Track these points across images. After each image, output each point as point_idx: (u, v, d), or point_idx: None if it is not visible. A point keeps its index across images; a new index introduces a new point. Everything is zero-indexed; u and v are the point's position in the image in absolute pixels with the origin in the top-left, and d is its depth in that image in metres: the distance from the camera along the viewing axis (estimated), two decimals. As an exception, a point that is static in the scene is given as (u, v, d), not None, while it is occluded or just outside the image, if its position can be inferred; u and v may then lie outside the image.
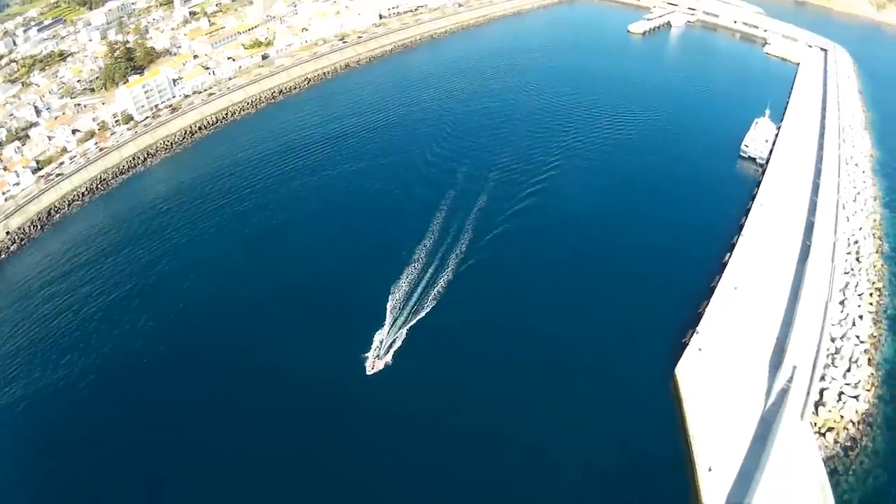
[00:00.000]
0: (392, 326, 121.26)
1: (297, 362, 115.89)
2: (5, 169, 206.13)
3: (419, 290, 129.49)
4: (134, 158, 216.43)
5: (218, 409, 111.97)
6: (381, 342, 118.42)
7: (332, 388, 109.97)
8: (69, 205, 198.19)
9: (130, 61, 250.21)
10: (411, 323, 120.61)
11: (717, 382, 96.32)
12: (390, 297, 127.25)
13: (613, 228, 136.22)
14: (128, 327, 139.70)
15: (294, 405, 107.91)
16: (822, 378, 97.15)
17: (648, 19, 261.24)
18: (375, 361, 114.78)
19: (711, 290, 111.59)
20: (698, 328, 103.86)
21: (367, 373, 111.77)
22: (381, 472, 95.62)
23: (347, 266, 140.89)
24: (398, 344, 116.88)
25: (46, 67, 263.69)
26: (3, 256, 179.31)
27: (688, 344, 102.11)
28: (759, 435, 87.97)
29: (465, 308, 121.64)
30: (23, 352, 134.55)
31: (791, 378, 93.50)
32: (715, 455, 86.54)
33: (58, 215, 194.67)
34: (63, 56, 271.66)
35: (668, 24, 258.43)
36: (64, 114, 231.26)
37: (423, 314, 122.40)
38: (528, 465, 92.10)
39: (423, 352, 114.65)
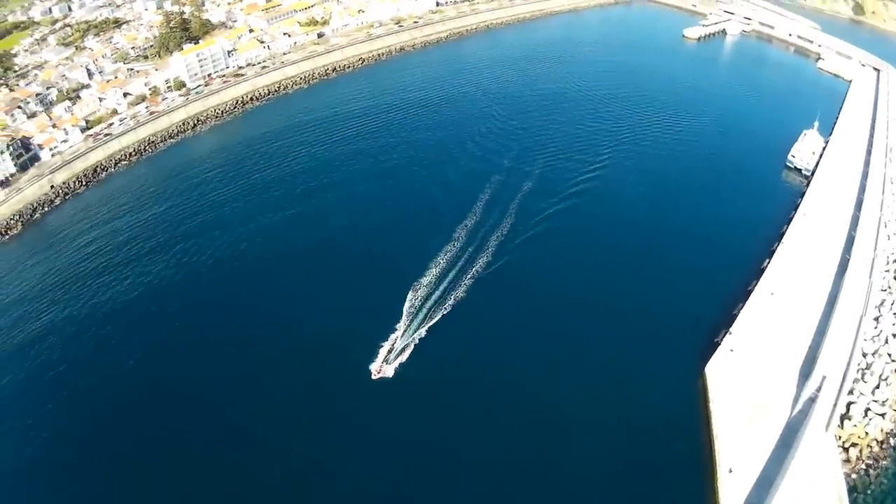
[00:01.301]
0: (407, 329, 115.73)
1: (303, 354, 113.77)
2: (54, 126, 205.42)
3: (441, 288, 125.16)
4: (184, 124, 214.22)
5: (210, 364, 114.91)
6: (393, 345, 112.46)
7: (331, 389, 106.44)
8: (115, 164, 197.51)
9: (185, 31, 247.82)
10: (428, 325, 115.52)
11: (745, 384, 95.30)
12: (410, 292, 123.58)
13: (654, 227, 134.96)
14: (153, 278, 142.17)
15: (289, 400, 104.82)
16: (851, 392, 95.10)
17: (704, 25, 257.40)
18: (383, 366, 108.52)
19: (748, 294, 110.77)
20: (731, 329, 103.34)
21: (372, 377, 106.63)
22: (363, 488, 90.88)
23: (374, 254, 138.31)
24: (410, 349, 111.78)
25: (101, 33, 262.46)
26: (45, 209, 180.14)
27: (720, 343, 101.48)
28: (783, 441, 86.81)
29: (487, 311, 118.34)
30: (52, 292, 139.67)
31: (819, 388, 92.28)
32: (737, 457, 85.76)
33: (104, 173, 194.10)
34: (118, 23, 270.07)
35: (724, 32, 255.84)
36: (116, 77, 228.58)
37: (441, 315, 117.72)
38: (544, 454, 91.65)
39: (437, 357, 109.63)
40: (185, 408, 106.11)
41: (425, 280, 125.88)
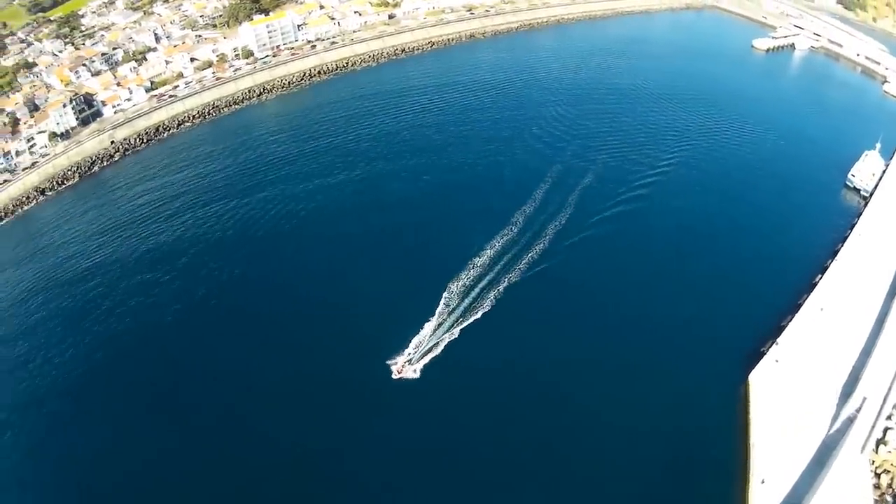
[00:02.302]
0: (438, 328, 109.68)
1: (327, 337, 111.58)
2: (119, 85, 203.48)
3: (480, 287, 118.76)
4: (249, 91, 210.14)
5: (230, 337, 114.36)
6: (420, 344, 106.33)
7: (348, 384, 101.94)
8: (178, 125, 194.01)
9: (256, 3, 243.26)
10: (461, 325, 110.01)
11: (787, 396, 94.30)
12: (447, 288, 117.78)
13: (709, 234, 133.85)
14: (203, 232, 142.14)
15: (304, 391, 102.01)
16: (889, 417, 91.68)
17: (773, 38, 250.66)
18: (405, 366, 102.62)
19: (797, 307, 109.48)
20: (778, 340, 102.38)
21: (393, 377, 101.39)
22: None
23: (419, 238, 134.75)
24: (438, 350, 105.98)
25: (169, 0, 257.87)
26: (104, 163, 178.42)
27: (765, 353, 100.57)
28: (818, 458, 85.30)
29: (526, 316, 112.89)
30: (101, 237, 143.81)
31: (859, 409, 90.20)
32: (771, 468, 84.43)
33: (165, 133, 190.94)
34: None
35: (792, 46, 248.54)
36: (183, 43, 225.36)
37: (476, 317, 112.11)
38: (576, 453, 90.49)
39: (465, 362, 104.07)
40: (202, 365, 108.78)
41: (464, 276, 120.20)
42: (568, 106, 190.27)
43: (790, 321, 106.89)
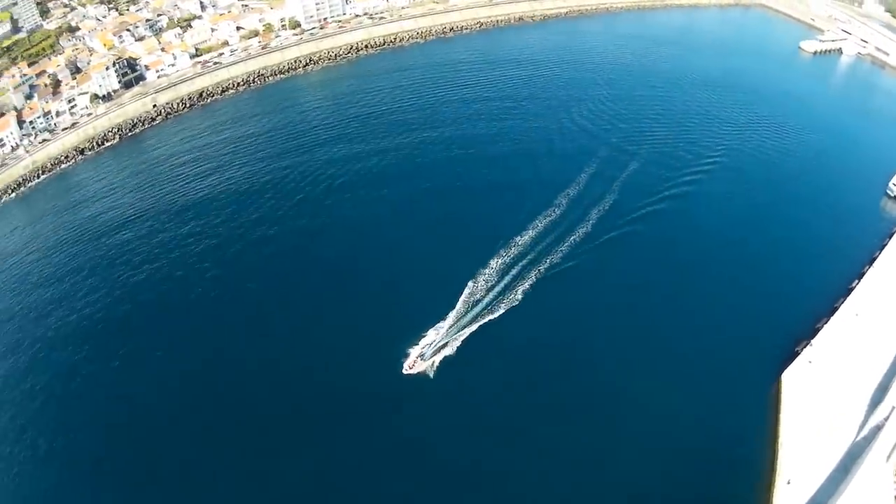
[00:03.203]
0: (456, 322, 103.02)
1: (344, 317, 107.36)
2: (163, 50, 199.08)
3: (505, 282, 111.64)
4: (295, 61, 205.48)
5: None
6: (434, 340, 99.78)
7: (357, 373, 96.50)
8: (222, 91, 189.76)
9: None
10: (481, 322, 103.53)
11: (818, 398, 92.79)
12: (471, 281, 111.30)
13: (747, 233, 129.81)
14: (240, 195, 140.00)
15: (310, 380, 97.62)
16: None
17: (821, 41, 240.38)
18: (417, 361, 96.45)
19: (833, 311, 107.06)
20: (812, 342, 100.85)
21: (404, 371, 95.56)
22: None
23: (449, 221, 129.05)
24: (453, 346, 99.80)
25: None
26: (145, 125, 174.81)
27: (799, 353, 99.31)
28: (844, 463, 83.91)
29: (552, 315, 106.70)
30: (137, 193, 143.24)
31: (887, 418, 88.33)
32: (797, 469, 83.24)
33: (209, 98, 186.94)
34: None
35: (839, 51, 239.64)
36: (229, 12, 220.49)
37: (498, 312, 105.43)
38: (598, 448, 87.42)
39: (481, 360, 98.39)
40: (219, 324, 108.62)
41: (490, 268, 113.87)
42: (612, 93, 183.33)
43: (825, 324, 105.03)
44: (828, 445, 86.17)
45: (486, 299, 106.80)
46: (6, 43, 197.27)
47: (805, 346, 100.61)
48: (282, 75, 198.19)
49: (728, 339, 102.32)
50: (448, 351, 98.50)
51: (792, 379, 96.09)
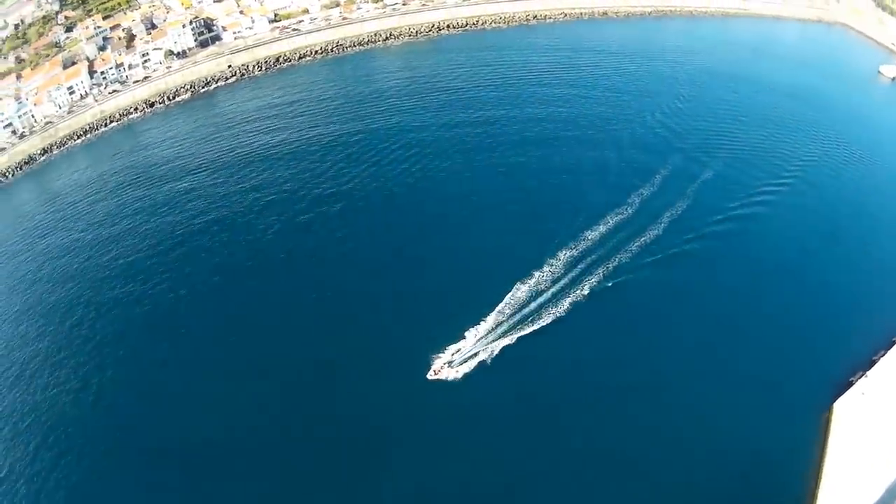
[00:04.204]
0: (491, 331, 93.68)
1: (378, 312, 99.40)
2: (241, 13, 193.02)
3: (549, 294, 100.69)
4: (375, 35, 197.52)
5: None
6: (468, 345, 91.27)
7: (381, 372, 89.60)
8: (299, 58, 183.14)
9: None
10: (517, 334, 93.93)
11: (868, 430, 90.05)
12: (514, 287, 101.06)
13: (810, 261, 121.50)
14: (307, 163, 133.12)
15: (332, 376, 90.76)
16: None
17: None
18: (444, 368, 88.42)
19: (891, 344, 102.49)
20: (868, 373, 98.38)
21: (428, 376, 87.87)
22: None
23: (503, 217, 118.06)
24: (484, 357, 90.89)
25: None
26: (219, 83, 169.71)
27: (853, 384, 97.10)
28: (885, 500, 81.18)
29: (597, 331, 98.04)
30: (203, 143, 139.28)
31: None
32: (837, 501, 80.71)
33: (286, 63, 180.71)
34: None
35: None
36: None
37: (537, 326, 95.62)
38: (637, 461, 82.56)
39: (513, 374, 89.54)
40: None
41: (536, 277, 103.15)
42: (687, 98, 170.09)
43: (883, 356, 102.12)
44: (872, 481, 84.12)
45: (531, 307, 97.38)
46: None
47: (860, 377, 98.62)
48: (360, 47, 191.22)
49: (782, 364, 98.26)
50: (480, 358, 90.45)
51: (843, 409, 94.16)
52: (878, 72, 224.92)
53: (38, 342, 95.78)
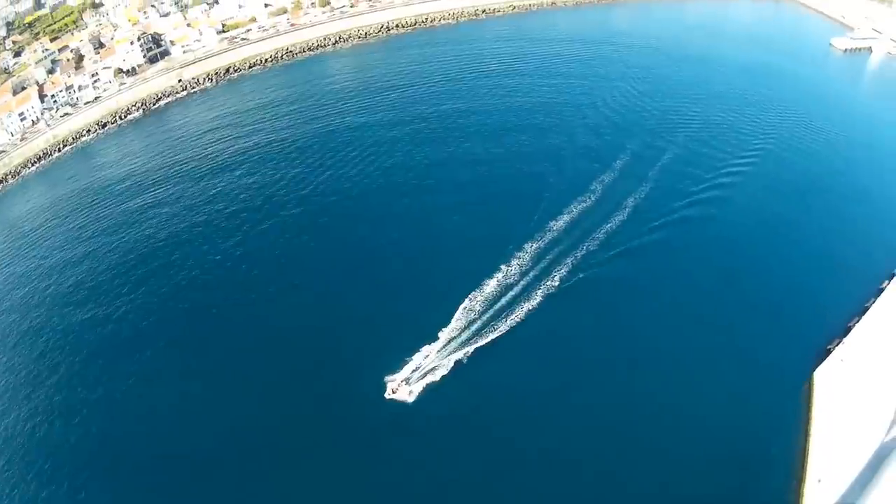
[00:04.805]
0: (448, 344, 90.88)
1: (331, 328, 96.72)
2: (189, 26, 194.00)
3: (506, 299, 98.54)
4: (324, 39, 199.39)
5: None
6: (424, 361, 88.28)
7: (334, 395, 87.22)
8: (249, 66, 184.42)
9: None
10: (476, 344, 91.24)
11: (850, 396, 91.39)
12: (468, 297, 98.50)
13: (779, 235, 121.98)
14: (268, 171, 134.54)
15: (285, 392, 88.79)
16: None
17: (852, 38, 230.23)
18: (401, 386, 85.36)
19: (865, 310, 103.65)
20: (845, 340, 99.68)
21: (386, 395, 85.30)
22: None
23: (456, 224, 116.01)
24: (443, 371, 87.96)
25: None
26: (170, 99, 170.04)
27: (831, 352, 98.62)
28: (874, 462, 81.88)
29: (560, 337, 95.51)
30: (159, 170, 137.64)
31: None
32: (829, 468, 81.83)
33: (236, 74, 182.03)
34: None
35: (870, 49, 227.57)
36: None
37: (499, 332, 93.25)
38: (623, 441, 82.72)
39: (474, 389, 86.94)
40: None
41: (491, 283, 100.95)
42: (643, 80, 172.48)
43: (857, 322, 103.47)
44: (859, 444, 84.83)
45: (488, 313, 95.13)
46: (29, 19, 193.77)
47: (838, 345, 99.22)
48: (310, 52, 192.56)
49: (761, 337, 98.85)
50: (438, 373, 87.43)
51: (824, 377, 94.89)
52: (830, 44, 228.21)
53: (9, 373, 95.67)
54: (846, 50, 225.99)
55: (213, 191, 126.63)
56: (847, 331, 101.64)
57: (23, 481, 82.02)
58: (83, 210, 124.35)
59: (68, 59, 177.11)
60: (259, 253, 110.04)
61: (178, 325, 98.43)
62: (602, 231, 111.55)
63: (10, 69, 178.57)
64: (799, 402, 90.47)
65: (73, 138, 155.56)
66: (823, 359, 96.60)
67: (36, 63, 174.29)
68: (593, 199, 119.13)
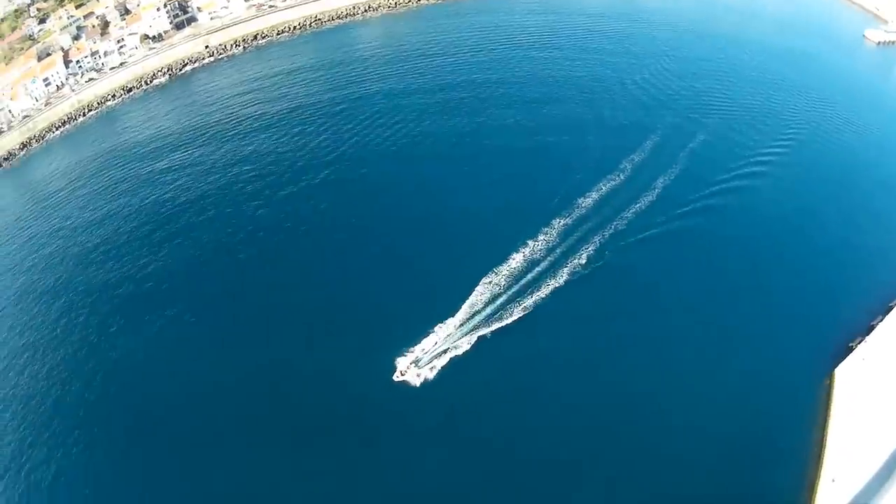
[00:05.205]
0: (460, 327, 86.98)
1: (342, 307, 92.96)
2: None
3: (522, 282, 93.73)
4: (353, 8, 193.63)
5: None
6: (435, 344, 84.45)
7: (341, 375, 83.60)
8: (277, 34, 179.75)
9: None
10: (489, 328, 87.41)
11: (870, 396, 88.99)
12: (484, 280, 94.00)
13: (804, 228, 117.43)
14: (293, 137, 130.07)
15: (289, 375, 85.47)
16: None
17: (886, 31, 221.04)
18: (409, 368, 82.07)
19: (888, 309, 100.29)
20: (867, 339, 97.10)
21: (394, 377, 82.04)
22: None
23: (473, 201, 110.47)
24: (453, 354, 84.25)
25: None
26: (197, 65, 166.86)
27: (853, 349, 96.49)
28: (891, 463, 79.41)
29: (577, 323, 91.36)
30: (181, 134, 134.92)
31: None
32: (843, 468, 79.64)
33: (263, 40, 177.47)
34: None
35: None
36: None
37: (510, 320, 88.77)
38: (636, 435, 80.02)
39: (485, 373, 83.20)
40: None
41: (508, 266, 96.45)
42: (671, 63, 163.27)
43: (880, 321, 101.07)
44: (875, 446, 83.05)
45: (497, 302, 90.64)
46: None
47: (860, 343, 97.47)
48: (339, 20, 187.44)
49: (783, 331, 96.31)
50: (448, 356, 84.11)
51: (844, 375, 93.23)
52: (864, 36, 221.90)
53: (31, 331, 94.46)
54: (880, 42, 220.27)
55: (238, 155, 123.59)
56: (870, 329, 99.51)
57: (38, 440, 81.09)
58: (107, 172, 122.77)
59: (94, 26, 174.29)
60: (281, 218, 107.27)
61: (197, 287, 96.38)
62: (629, 213, 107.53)
63: (35, 36, 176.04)
64: (818, 399, 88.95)
65: (97, 103, 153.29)
66: (845, 356, 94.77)
67: (61, 30, 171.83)
68: (622, 177, 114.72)
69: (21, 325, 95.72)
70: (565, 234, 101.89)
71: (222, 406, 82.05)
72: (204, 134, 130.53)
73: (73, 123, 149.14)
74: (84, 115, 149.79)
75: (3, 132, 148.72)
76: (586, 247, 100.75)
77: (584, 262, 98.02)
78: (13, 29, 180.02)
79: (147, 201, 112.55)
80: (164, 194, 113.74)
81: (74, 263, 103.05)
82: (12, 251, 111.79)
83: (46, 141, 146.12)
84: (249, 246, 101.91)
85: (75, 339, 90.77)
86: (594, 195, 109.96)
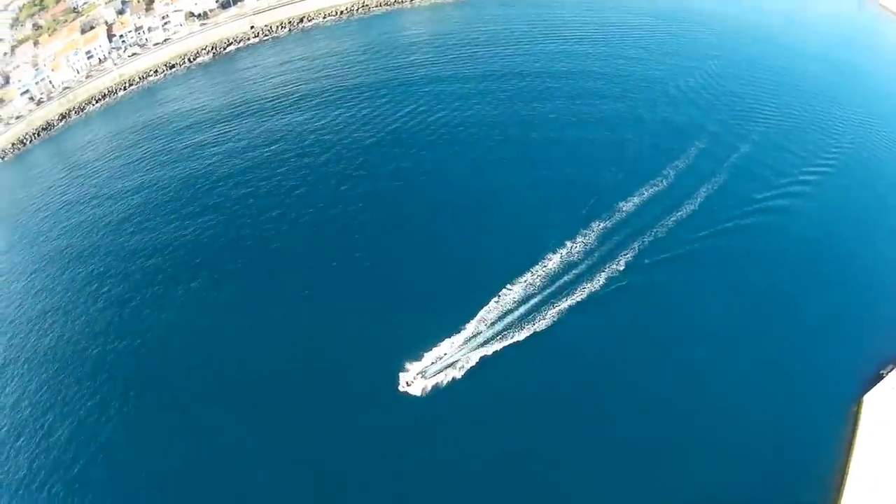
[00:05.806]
0: (470, 340, 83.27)
1: (352, 310, 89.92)
2: None
3: (539, 297, 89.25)
4: None
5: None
6: (442, 355, 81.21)
7: (347, 384, 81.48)
8: (324, 17, 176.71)
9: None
10: (501, 343, 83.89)
11: None
12: (499, 292, 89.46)
13: (842, 253, 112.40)
14: (329, 119, 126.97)
15: (291, 376, 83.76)
16: None
17: None
18: (416, 379, 79.17)
19: None
20: None
21: (399, 388, 79.48)
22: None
23: (497, 211, 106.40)
24: (461, 368, 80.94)
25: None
26: (241, 44, 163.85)
27: (884, 377, 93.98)
28: None
29: (594, 343, 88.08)
30: (222, 110, 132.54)
31: None
32: (863, 497, 78.73)
33: (309, 23, 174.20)
34: None
35: None
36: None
37: (523, 335, 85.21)
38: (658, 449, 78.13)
39: (492, 390, 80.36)
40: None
41: (525, 279, 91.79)
42: (719, 67, 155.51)
43: None
44: None
45: (510, 317, 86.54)
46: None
47: (891, 371, 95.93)
48: (387, 6, 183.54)
49: (813, 355, 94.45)
50: (456, 370, 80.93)
51: (873, 402, 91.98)
52: None
53: (62, 293, 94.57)
54: None
55: (277, 135, 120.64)
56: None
57: (70, 402, 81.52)
58: (145, 144, 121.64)
59: (138, 1, 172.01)
60: (313, 200, 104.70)
61: (225, 262, 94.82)
62: (666, 224, 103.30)
63: (80, 8, 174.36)
64: (844, 425, 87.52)
65: (139, 78, 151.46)
66: (875, 384, 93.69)
67: (106, 3, 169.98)
68: (664, 184, 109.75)
69: (46, 290, 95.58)
70: (601, 239, 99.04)
71: (227, 393, 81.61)
72: (244, 112, 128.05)
73: (113, 97, 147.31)
74: (125, 89, 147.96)
75: (43, 103, 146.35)
76: (616, 260, 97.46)
77: (620, 270, 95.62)
78: (57, 1, 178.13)
79: (182, 175, 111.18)
80: (200, 169, 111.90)
81: (106, 231, 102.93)
82: (48, 216, 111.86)
83: (86, 113, 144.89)
84: (278, 226, 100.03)
85: (100, 307, 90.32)
86: (635, 199, 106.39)
